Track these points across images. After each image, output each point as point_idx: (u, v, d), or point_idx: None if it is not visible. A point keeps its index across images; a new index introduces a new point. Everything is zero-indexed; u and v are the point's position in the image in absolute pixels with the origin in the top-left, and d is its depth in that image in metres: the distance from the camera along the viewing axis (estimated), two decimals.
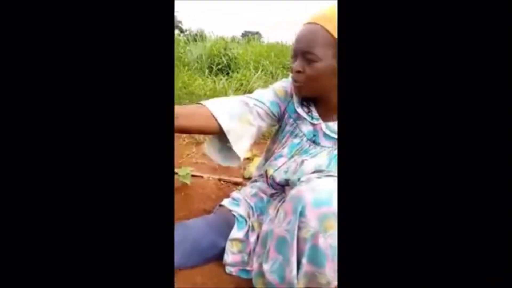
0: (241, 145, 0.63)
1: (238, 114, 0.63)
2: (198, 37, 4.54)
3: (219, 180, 1.11)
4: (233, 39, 4.84)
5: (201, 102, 0.63)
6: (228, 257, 0.70)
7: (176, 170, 1.06)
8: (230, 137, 0.61)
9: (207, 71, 2.88)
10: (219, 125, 0.60)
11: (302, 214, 0.51)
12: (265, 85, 2.51)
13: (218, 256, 0.71)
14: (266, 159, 0.78)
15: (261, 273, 0.66)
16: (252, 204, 0.75)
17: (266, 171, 0.72)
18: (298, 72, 0.62)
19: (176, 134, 1.75)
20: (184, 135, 1.60)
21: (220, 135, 0.63)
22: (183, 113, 0.56)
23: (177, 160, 1.31)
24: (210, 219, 0.75)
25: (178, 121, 0.54)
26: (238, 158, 0.64)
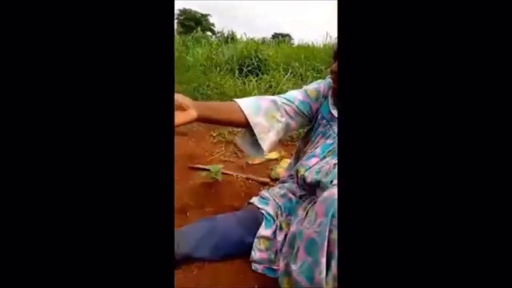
0: (266, 138, 0.68)
1: (264, 109, 0.67)
2: (229, 39, 4.64)
3: (247, 179, 1.13)
4: (264, 40, 4.88)
5: (233, 99, 0.68)
6: (255, 254, 0.71)
7: (208, 167, 1.10)
8: (256, 130, 0.66)
9: (237, 72, 2.94)
10: (246, 118, 0.64)
11: (334, 216, 0.51)
12: (294, 87, 2.50)
13: (245, 252, 0.73)
14: (297, 160, 0.78)
15: (288, 273, 0.66)
16: (281, 204, 0.76)
17: (297, 171, 0.72)
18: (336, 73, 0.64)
19: (206, 133, 1.80)
20: (215, 134, 1.65)
21: (250, 129, 0.68)
22: (215, 106, 0.62)
23: (206, 157, 1.36)
24: (239, 215, 0.77)
25: (208, 113, 0.60)
26: (263, 150, 0.68)
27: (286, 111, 0.69)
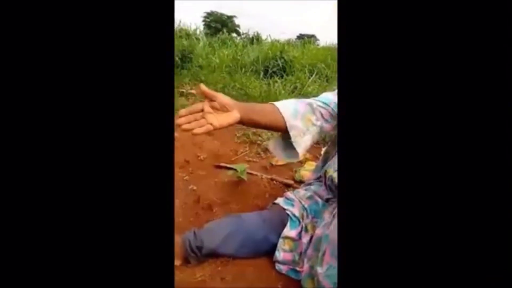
0: (302, 142, 0.66)
1: (301, 113, 0.66)
2: (255, 40, 4.68)
3: (271, 179, 1.14)
4: (288, 41, 4.86)
5: (271, 102, 0.67)
6: (280, 254, 0.72)
7: (233, 166, 1.12)
8: (292, 133, 0.64)
9: (262, 73, 2.96)
10: (284, 122, 0.63)
11: None
12: (320, 88, 2.47)
13: (270, 251, 0.73)
14: (324, 162, 0.77)
15: (312, 276, 0.66)
16: (307, 206, 0.76)
17: (325, 172, 0.72)
18: None
19: (230, 133, 1.83)
20: (239, 134, 1.67)
21: (284, 132, 0.67)
22: (257, 109, 0.61)
23: (231, 157, 1.39)
24: (264, 214, 0.78)
25: (251, 116, 0.59)
26: (297, 154, 0.67)
27: (321, 114, 0.68)
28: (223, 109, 0.54)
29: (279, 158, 0.72)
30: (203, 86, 0.52)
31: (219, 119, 0.53)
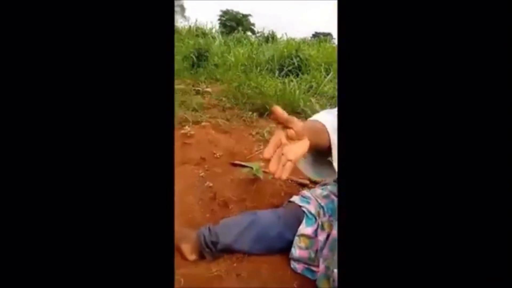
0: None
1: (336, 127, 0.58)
2: (270, 39, 4.67)
3: (286, 178, 1.13)
4: (304, 40, 4.82)
5: (314, 117, 0.60)
6: (295, 252, 0.71)
7: (249, 164, 1.13)
8: (334, 151, 0.56)
9: (277, 72, 2.95)
10: (329, 139, 0.56)
11: None
12: (336, 87, 2.43)
13: (285, 249, 0.73)
14: None
15: (327, 276, 0.66)
16: (323, 204, 0.75)
17: None
18: None
19: (245, 131, 1.83)
20: (254, 133, 1.68)
21: (326, 150, 0.58)
22: (311, 130, 0.52)
23: (246, 155, 1.39)
24: (279, 212, 0.78)
25: (313, 139, 0.49)
26: (335, 171, 0.58)
27: None
28: (298, 137, 0.45)
29: (311, 176, 0.66)
30: (278, 110, 0.41)
31: (295, 152, 0.44)
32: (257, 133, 1.68)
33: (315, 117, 0.60)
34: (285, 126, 0.44)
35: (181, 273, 0.67)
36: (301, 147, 0.45)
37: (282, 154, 0.43)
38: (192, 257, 0.75)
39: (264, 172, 1.06)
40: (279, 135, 0.44)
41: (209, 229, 0.75)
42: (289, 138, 0.44)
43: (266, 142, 1.58)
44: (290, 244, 0.73)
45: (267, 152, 0.44)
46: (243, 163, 1.22)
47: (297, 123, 0.44)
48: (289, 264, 0.73)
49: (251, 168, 1.02)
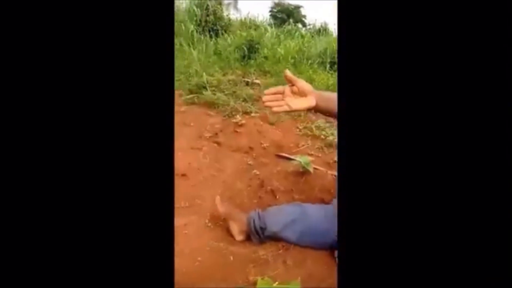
0: None
1: None
2: (322, 31, 4.51)
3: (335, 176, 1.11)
4: None
5: None
6: None
7: (295, 157, 1.14)
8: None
9: (328, 66, 2.85)
10: None
11: None
12: None
13: (330, 246, 0.73)
14: None
15: None
16: None
17: None
18: None
19: (292, 125, 1.82)
20: (301, 127, 1.67)
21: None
22: (332, 97, 0.61)
23: (292, 148, 1.40)
24: (327, 209, 0.78)
25: (327, 103, 0.61)
26: None
27: None
28: (302, 94, 0.59)
29: None
30: (287, 72, 0.59)
31: (296, 103, 0.59)
32: (304, 127, 1.67)
33: None
34: (291, 84, 0.59)
35: (230, 250, 0.72)
36: (303, 102, 0.59)
37: (283, 100, 0.57)
38: (239, 237, 0.79)
39: (315, 168, 1.06)
40: (284, 87, 0.59)
41: (259, 214, 0.78)
42: (293, 93, 0.59)
43: (313, 137, 1.56)
44: (335, 242, 0.72)
45: (268, 90, 0.58)
46: (289, 156, 1.23)
47: (303, 83, 0.59)
48: (335, 261, 0.73)
49: (299, 161, 1.02)
